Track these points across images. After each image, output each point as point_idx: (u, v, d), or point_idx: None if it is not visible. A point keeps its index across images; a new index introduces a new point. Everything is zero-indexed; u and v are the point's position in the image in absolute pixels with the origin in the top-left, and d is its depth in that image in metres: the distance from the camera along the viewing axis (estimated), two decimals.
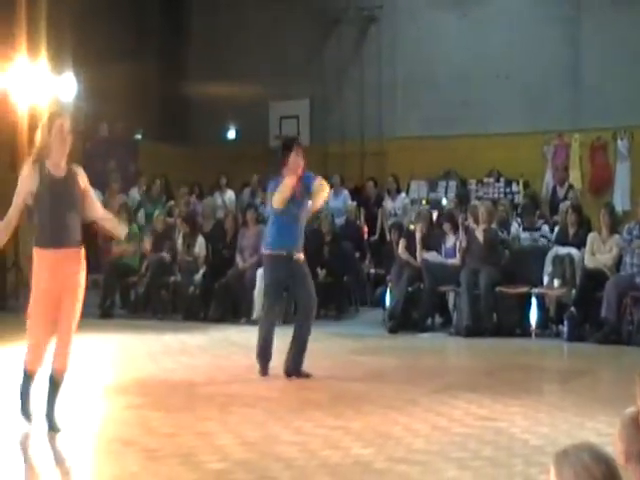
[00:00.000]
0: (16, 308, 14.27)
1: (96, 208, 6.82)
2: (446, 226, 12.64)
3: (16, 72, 14.24)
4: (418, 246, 12.55)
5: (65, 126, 6.53)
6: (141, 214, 15.99)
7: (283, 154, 8.85)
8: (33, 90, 14.32)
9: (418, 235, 12.60)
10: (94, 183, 7.10)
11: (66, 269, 6.48)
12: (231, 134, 20.65)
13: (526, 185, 17.23)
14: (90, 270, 6.87)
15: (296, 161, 8.78)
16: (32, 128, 14.53)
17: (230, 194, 16.71)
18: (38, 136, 6.59)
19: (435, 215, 13.57)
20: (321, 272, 13.06)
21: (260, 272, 12.39)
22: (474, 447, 6.03)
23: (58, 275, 6.45)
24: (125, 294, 14.50)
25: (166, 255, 13.87)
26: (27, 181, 6.51)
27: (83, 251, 6.62)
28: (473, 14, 18.46)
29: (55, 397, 6.49)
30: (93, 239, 12.64)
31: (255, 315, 12.52)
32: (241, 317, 13.01)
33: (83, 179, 6.66)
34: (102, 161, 16.89)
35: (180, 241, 14.02)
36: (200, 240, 13.86)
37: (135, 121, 18.74)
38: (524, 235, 12.96)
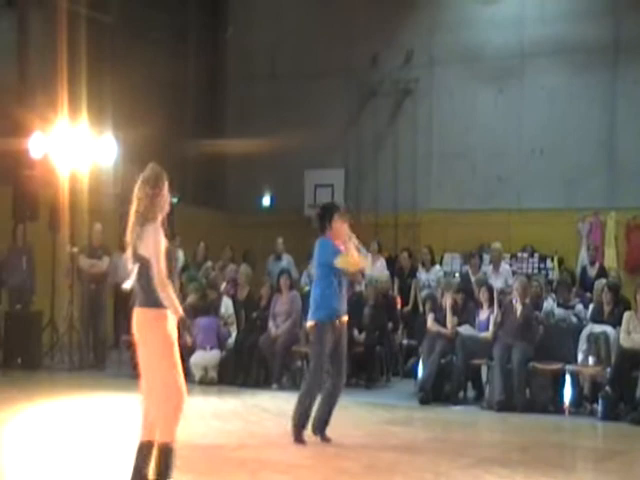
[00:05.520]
0: (50, 367, 14.32)
1: None
2: (483, 295, 12.58)
3: (57, 135, 14.45)
4: (448, 314, 12.53)
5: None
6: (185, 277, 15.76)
7: (326, 219, 8.91)
8: (73, 153, 14.51)
9: (448, 302, 12.59)
10: None
11: None
12: (266, 201, 20.81)
13: (560, 262, 17.22)
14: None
15: (341, 226, 8.87)
16: (72, 191, 14.82)
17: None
18: (160, 195, 6.30)
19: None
20: (359, 336, 13.13)
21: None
22: None
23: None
24: None
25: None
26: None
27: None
28: (509, 89, 18.61)
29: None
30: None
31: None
32: (272, 383, 12.99)
33: None
34: None
35: None
36: (226, 300, 13.89)
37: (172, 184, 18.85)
38: (558, 311, 12.89)
